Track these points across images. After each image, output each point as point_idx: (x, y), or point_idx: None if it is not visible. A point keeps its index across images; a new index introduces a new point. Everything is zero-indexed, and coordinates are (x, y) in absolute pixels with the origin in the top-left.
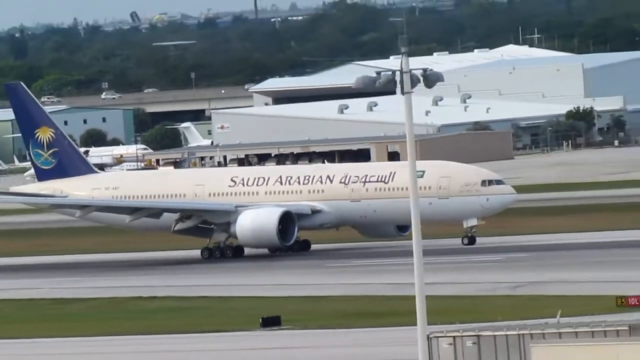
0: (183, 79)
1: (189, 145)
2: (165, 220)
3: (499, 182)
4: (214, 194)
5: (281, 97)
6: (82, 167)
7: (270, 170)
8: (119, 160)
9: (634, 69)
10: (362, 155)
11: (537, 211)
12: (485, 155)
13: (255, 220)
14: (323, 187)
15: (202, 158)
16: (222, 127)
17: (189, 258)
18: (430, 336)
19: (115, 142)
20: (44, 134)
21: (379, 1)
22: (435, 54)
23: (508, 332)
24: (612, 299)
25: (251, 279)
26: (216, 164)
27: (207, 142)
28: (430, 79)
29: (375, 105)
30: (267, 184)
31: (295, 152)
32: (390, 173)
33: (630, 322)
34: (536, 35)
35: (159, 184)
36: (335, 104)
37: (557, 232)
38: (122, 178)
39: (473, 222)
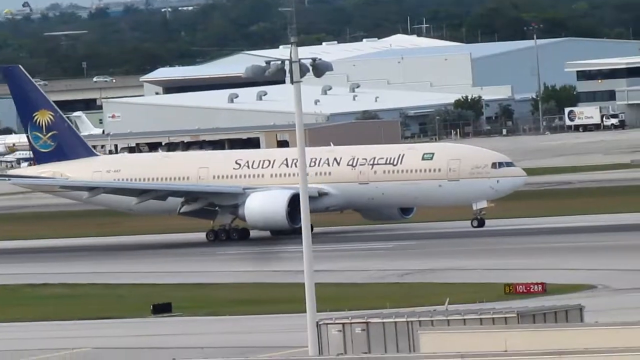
0: (75, 68)
1: (80, 134)
2: (170, 202)
3: (509, 164)
4: (219, 177)
5: (171, 87)
6: (82, 150)
7: (276, 152)
8: (11, 149)
9: (522, 58)
10: (251, 144)
11: None
12: (374, 144)
13: (265, 203)
14: (330, 170)
15: (94, 147)
16: (113, 116)
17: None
18: (320, 323)
19: (8, 131)
20: (43, 117)
21: None
22: (324, 43)
23: (397, 319)
24: (500, 287)
25: (142, 266)
26: (107, 152)
27: (99, 131)
28: (319, 68)
29: (265, 94)
30: (272, 166)
31: (185, 141)
32: (399, 155)
33: (518, 310)
34: (424, 25)
35: (162, 167)
36: (225, 93)
37: (445, 220)
38: (124, 161)
39: (483, 204)
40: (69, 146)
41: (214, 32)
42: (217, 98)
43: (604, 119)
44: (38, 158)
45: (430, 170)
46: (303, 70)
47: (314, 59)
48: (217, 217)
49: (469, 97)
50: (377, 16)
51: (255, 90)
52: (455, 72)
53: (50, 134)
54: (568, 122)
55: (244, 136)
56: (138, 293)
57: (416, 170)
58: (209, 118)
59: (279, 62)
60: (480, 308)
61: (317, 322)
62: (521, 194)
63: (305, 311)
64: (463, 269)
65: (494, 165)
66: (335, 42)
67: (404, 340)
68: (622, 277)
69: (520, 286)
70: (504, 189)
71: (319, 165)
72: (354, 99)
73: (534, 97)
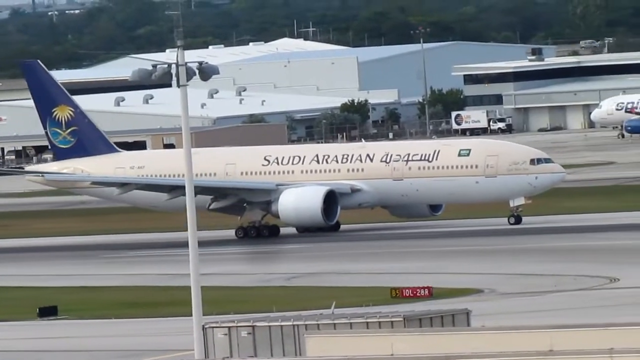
0: None
1: None
2: (199, 199)
3: (547, 160)
4: (247, 173)
5: None
6: (103, 146)
7: (307, 148)
8: None
9: (409, 62)
10: (137, 147)
11: None
12: None
13: (299, 199)
14: (363, 166)
15: None
16: None
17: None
18: (206, 326)
19: None
20: (63, 112)
21: None
22: (210, 47)
23: (283, 323)
24: (386, 290)
25: (28, 269)
26: None
27: None
28: (206, 71)
29: (152, 97)
30: (303, 162)
31: None
32: (434, 151)
33: (404, 313)
34: (311, 29)
35: None
36: (111, 96)
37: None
38: (148, 157)
39: (520, 201)
40: (89, 142)
41: (101, 35)
42: (103, 101)
43: (491, 122)
44: (57, 154)
45: (466, 167)
46: (189, 74)
47: (200, 63)
48: (245, 214)
49: (356, 101)
50: (264, 20)
51: (141, 93)
52: (342, 76)
53: (70, 129)
54: (455, 126)
55: (130, 139)
56: (23, 295)
57: (452, 167)
58: (96, 121)
59: (166, 65)
60: (367, 312)
61: (203, 326)
62: None
63: (191, 314)
64: (349, 272)
65: (532, 161)
66: (222, 45)
67: (290, 344)
68: (509, 281)
69: (407, 290)
70: (542, 185)
71: (351, 162)
72: (240, 102)
73: (421, 100)
